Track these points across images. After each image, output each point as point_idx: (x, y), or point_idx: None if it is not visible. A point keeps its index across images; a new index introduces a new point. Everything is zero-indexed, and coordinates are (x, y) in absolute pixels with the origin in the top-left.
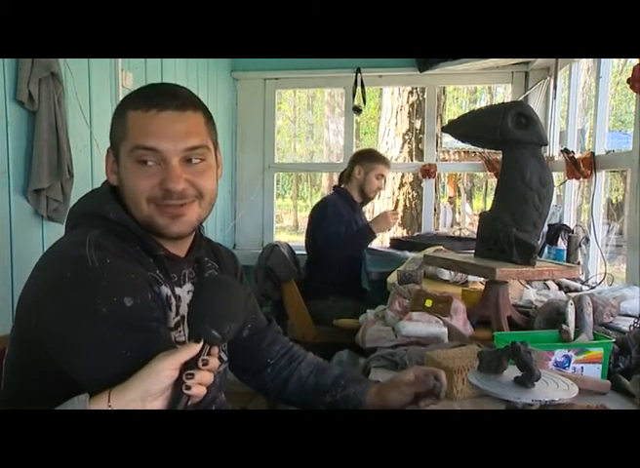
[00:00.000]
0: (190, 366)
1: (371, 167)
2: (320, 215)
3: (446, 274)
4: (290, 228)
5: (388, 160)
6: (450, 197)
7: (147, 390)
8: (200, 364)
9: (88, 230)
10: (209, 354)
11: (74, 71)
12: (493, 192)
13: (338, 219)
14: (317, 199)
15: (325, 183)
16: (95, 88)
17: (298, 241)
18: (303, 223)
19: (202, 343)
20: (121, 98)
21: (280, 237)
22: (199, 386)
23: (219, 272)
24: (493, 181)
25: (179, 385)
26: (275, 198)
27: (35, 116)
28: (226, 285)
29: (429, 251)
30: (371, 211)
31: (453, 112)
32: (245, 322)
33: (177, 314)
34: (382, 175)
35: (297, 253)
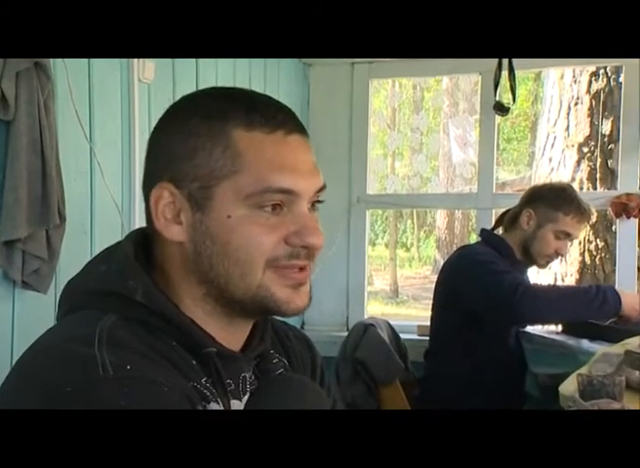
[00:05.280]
0: None
1: (551, 217)
2: (470, 263)
3: None
4: (386, 294)
5: (588, 209)
6: None
7: None
8: None
9: (99, 316)
10: None
11: (68, 61)
12: None
13: (499, 265)
14: (429, 247)
15: (440, 223)
16: (98, 84)
17: (399, 315)
18: (406, 286)
19: None
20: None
21: (373, 309)
22: None
23: (288, 370)
24: None
25: None
26: (367, 245)
27: (9, 128)
28: (303, 391)
29: (635, 341)
30: None
31: None
32: None
33: None
34: (568, 235)
35: (402, 336)
